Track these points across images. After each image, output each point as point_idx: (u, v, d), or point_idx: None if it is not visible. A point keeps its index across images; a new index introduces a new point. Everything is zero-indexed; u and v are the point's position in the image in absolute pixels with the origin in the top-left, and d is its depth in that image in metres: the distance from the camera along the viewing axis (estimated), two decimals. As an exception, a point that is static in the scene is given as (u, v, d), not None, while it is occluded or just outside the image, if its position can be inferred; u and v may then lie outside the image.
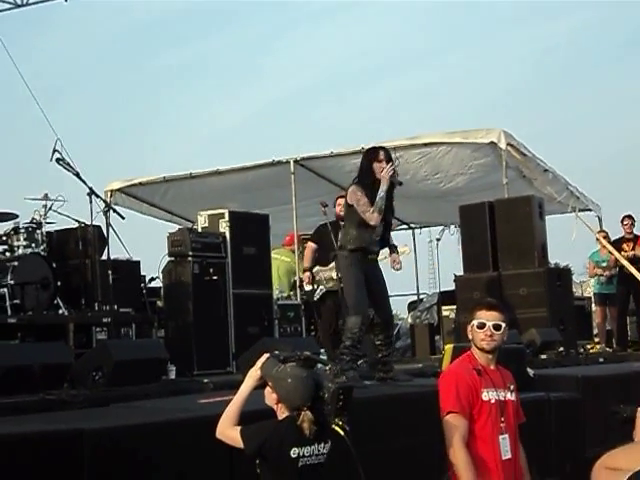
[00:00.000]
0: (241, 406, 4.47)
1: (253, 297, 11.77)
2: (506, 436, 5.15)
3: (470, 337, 5.31)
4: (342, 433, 4.36)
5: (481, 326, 5.20)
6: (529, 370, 8.99)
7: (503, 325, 5.23)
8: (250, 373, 4.49)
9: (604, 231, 16.07)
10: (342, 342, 8.46)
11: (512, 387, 5.34)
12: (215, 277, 10.58)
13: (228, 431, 4.44)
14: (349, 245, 8.43)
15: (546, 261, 13.10)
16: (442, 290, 17.24)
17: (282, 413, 4.41)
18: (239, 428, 4.40)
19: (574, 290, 16.37)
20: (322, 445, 4.40)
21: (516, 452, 5.23)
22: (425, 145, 14.81)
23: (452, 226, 18.50)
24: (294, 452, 4.31)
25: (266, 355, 4.49)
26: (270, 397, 4.44)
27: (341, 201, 10.54)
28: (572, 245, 16.27)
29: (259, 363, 4.46)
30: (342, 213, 9.88)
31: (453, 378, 5.23)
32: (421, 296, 19.44)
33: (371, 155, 8.61)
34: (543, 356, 11.47)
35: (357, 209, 8.36)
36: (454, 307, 13.79)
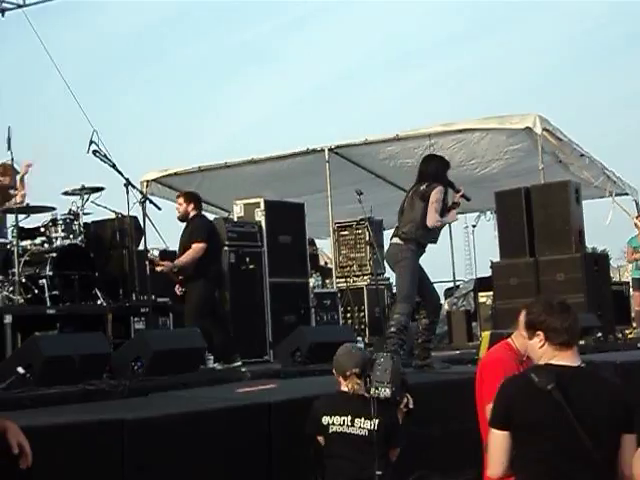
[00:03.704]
0: None
1: (289, 286, 11.82)
2: None
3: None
4: None
5: None
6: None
7: None
8: None
9: (642, 215, 15.88)
10: (388, 328, 8.63)
11: None
12: (251, 266, 10.59)
13: None
14: (420, 239, 8.71)
15: (583, 246, 13.02)
16: (478, 277, 17.19)
17: None
18: None
19: (611, 275, 16.25)
20: None
21: None
22: (460, 131, 14.77)
23: (488, 212, 18.41)
24: None
25: None
26: None
27: (181, 200, 10.08)
28: (609, 230, 16.16)
29: None
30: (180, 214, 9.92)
31: (500, 365, 4.95)
32: (457, 283, 19.35)
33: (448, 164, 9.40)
34: (581, 342, 11.39)
35: (430, 206, 8.62)
36: (491, 293, 13.74)
